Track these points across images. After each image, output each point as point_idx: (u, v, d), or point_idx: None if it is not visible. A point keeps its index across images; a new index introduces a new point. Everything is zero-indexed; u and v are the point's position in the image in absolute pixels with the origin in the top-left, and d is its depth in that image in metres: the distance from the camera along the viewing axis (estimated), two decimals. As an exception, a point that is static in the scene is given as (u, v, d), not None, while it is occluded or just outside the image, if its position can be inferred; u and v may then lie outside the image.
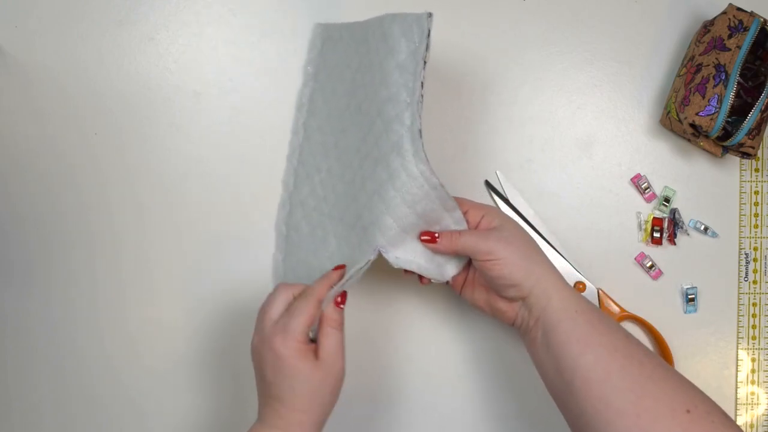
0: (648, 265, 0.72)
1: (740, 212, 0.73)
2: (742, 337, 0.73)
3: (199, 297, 0.71)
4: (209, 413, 0.71)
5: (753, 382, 0.73)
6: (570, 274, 0.71)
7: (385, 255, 0.59)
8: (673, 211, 0.72)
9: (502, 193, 0.72)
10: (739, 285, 0.73)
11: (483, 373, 0.71)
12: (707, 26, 0.69)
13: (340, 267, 0.61)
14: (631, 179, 0.73)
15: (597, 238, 0.72)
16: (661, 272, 0.72)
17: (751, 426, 0.73)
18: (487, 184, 0.72)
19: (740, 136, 0.65)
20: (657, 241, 0.72)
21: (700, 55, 0.68)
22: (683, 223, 0.72)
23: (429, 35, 0.56)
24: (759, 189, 0.73)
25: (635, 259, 0.72)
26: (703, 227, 0.73)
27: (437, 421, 0.71)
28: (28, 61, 0.72)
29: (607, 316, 0.58)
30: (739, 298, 0.73)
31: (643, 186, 0.72)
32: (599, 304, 0.71)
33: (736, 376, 0.73)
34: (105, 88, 0.72)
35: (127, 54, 0.72)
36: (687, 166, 0.73)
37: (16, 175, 0.71)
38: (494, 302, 0.61)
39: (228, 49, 0.73)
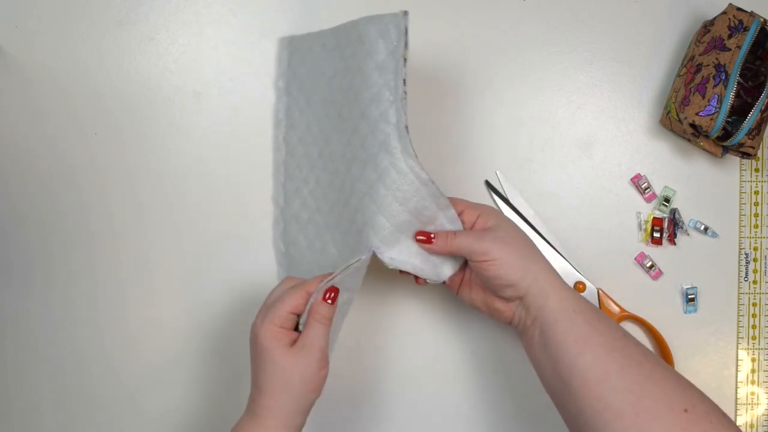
0: (648, 265, 0.72)
1: (740, 212, 0.73)
2: (742, 337, 0.73)
3: (199, 297, 0.71)
4: (209, 413, 0.71)
5: (753, 382, 0.73)
6: (570, 274, 0.71)
7: (380, 256, 0.59)
8: (673, 211, 0.72)
9: (502, 193, 0.72)
10: (739, 285, 0.73)
11: (481, 372, 0.71)
12: (707, 26, 0.69)
13: None
14: (631, 179, 0.73)
15: (597, 238, 0.72)
16: (661, 272, 0.72)
17: (751, 426, 0.73)
18: (487, 184, 0.72)
19: (740, 136, 0.65)
20: (657, 241, 0.72)
21: (700, 55, 0.68)
22: (683, 223, 0.72)
23: (406, 33, 0.56)
24: (759, 189, 0.73)
25: (635, 259, 0.72)
26: (703, 227, 0.73)
27: (436, 421, 0.71)
28: (28, 61, 0.72)
29: (606, 316, 0.58)
30: (739, 298, 0.73)
31: (643, 186, 0.72)
32: (599, 304, 0.71)
33: (736, 376, 0.73)
34: (105, 88, 0.72)
35: (127, 54, 0.72)
36: (687, 166, 0.73)
37: (16, 175, 0.72)
38: (491, 302, 0.61)
39: (228, 49, 0.73)
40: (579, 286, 0.71)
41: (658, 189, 0.73)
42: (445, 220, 0.60)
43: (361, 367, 0.71)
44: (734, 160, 0.73)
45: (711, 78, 0.65)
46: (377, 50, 0.58)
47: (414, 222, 0.59)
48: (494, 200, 0.72)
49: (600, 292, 0.71)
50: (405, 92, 0.56)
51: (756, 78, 0.65)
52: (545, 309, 0.57)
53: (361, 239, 0.59)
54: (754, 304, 0.73)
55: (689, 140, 0.71)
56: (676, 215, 0.72)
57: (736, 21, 0.67)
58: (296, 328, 0.58)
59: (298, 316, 0.57)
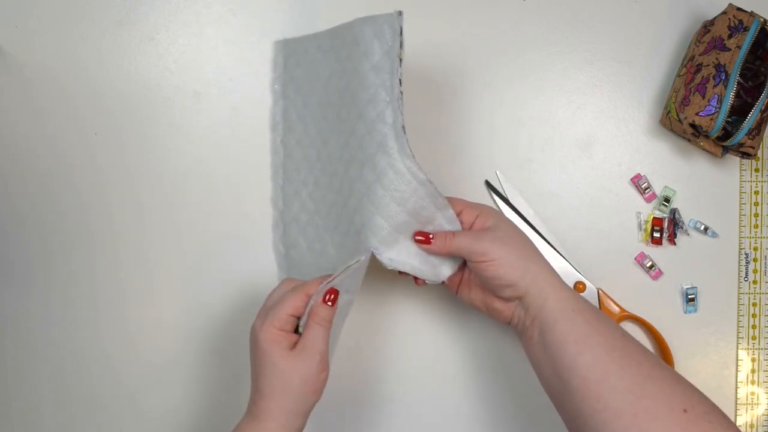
0: (648, 265, 0.72)
1: (740, 212, 0.73)
2: (742, 337, 0.73)
3: (199, 297, 0.72)
4: (209, 413, 0.71)
5: (753, 382, 0.73)
6: (570, 274, 0.71)
7: (378, 256, 0.59)
8: (673, 211, 0.72)
9: (502, 193, 0.72)
10: (739, 285, 0.73)
11: (481, 372, 0.71)
12: (707, 26, 0.69)
13: None
14: (631, 179, 0.73)
15: (597, 238, 0.72)
16: (661, 272, 0.72)
17: (751, 426, 0.73)
18: (487, 184, 0.72)
19: (740, 136, 0.65)
20: (657, 241, 0.72)
21: (700, 55, 0.68)
22: (683, 223, 0.72)
23: (401, 33, 0.56)
24: (759, 189, 0.73)
25: (635, 259, 0.72)
26: (703, 227, 0.73)
27: (436, 421, 0.71)
28: (28, 61, 0.72)
29: (605, 316, 0.58)
30: (739, 298, 0.73)
31: (643, 186, 0.72)
32: (599, 304, 0.71)
33: (736, 376, 0.73)
34: (105, 88, 0.72)
35: (127, 54, 0.72)
36: (687, 166, 0.73)
37: (16, 175, 0.72)
38: (490, 302, 0.61)
39: (228, 49, 0.73)
40: (579, 286, 0.71)
41: (658, 189, 0.73)
42: (444, 221, 0.60)
43: (361, 367, 0.71)
44: (734, 160, 0.73)
45: (711, 78, 0.65)
46: (373, 51, 0.58)
47: (412, 222, 0.59)
48: (494, 200, 0.72)
49: (600, 292, 0.71)
50: (401, 92, 0.56)
51: (756, 78, 0.65)
52: (544, 309, 0.56)
53: (360, 240, 0.59)
54: (754, 304, 0.73)
55: (689, 140, 0.71)
56: (676, 215, 0.72)
57: (736, 21, 0.67)
58: (296, 331, 0.58)
59: (298, 318, 0.57)
